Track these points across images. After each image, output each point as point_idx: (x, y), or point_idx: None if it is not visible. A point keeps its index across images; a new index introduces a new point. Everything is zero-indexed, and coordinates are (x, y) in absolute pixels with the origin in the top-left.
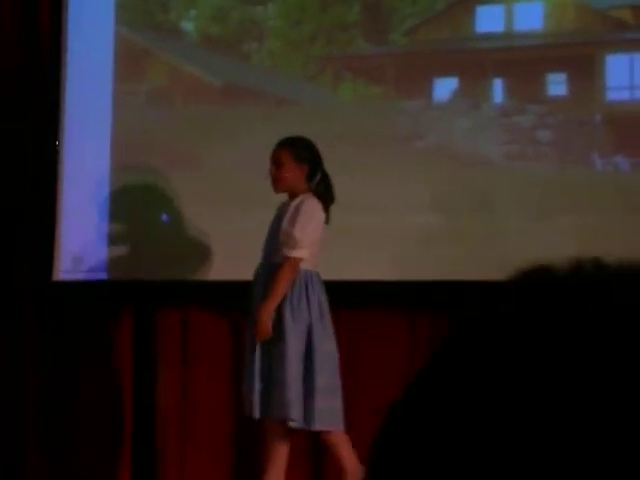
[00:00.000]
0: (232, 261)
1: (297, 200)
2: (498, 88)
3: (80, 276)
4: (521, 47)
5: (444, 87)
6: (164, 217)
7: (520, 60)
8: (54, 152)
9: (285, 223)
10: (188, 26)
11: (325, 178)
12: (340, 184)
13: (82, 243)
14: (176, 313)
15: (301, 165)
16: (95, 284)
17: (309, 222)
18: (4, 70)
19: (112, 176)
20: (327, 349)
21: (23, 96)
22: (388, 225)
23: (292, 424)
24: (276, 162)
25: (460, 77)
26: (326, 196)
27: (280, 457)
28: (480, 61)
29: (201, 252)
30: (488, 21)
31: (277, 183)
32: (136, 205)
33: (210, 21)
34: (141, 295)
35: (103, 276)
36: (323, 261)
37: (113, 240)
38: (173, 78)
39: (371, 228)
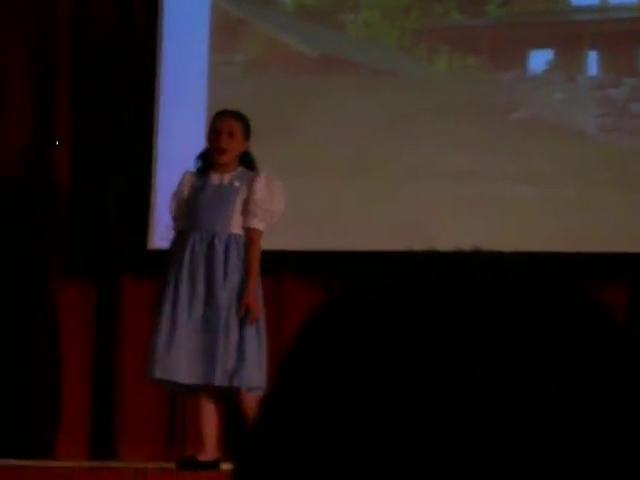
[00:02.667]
0: (325, 230)
1: (261, 175)
2: (593, 60)
3: (163, 244)
4: (616, 19)
5: (539, 59)
6: None
7: (615, 33)
8: (150, 123)
9: (259, 196)
10: None
11: (250, 155)
12: (435, 155)
13: None
14: (269, 281)
15: (246, 141)
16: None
17: (282, 199)
18: (101, 43)
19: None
20: None
21: (119, 68)
22: (481, 196)
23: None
24: (230, 132)
25: (555, 49)
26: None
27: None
28: (575, 33)
29: (295, 221)
30: None
31: (228, 152)
32: None
33: None
34: None
35: None
36: (416, 230)
37: None
38: (269, 48)
39: (464, 199)
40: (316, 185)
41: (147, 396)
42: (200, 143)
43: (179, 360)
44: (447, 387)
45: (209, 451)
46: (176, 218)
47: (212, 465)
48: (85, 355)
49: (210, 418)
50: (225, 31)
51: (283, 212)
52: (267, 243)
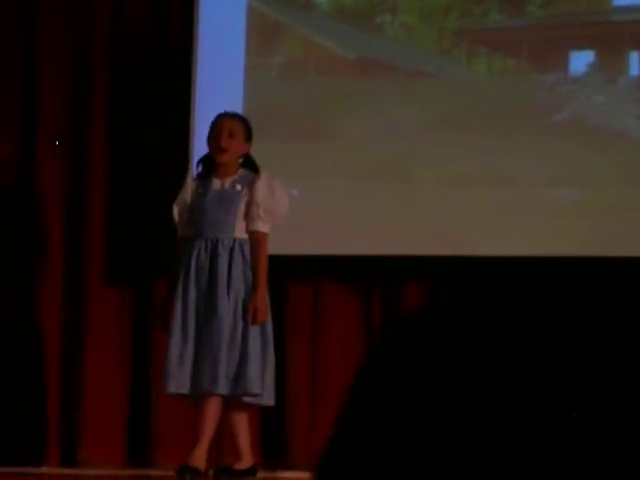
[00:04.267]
0: (363, 234)
1: (262, 176)
2: (634, 61)
3: None
4: None
5: (580, 60)
6: (294, 191)
7: None
8: (186, 127)
9: (260, 197)
10: None
11: (252, 159)
12: (474, 158)
13: None
14: (307, 287)
15: (247, 143)
16: None
17: (286, 198)
18: (137, 46)
19: None
20: None
21: (155, 71)
22: (523, 199)
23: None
24: (232, 132)
25: (596, 50)
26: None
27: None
28: (617, 34)
29: (332, 225)
30: None
31: (228, 152)
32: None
33: None
34: (272, 269)
35: None
36: (456, 235)
37: None
38: (305, 51)
39: (505, 202)
40: (353, 189)
41: (185, 403)
42: None
43: (188, 372)
44: (549, 404)
45: (245, 460)
46: (179, 225)
47: (249, 472)
48: (123, 361)
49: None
50: (261, 34)
51: (287, 212)
52: (304, 248)
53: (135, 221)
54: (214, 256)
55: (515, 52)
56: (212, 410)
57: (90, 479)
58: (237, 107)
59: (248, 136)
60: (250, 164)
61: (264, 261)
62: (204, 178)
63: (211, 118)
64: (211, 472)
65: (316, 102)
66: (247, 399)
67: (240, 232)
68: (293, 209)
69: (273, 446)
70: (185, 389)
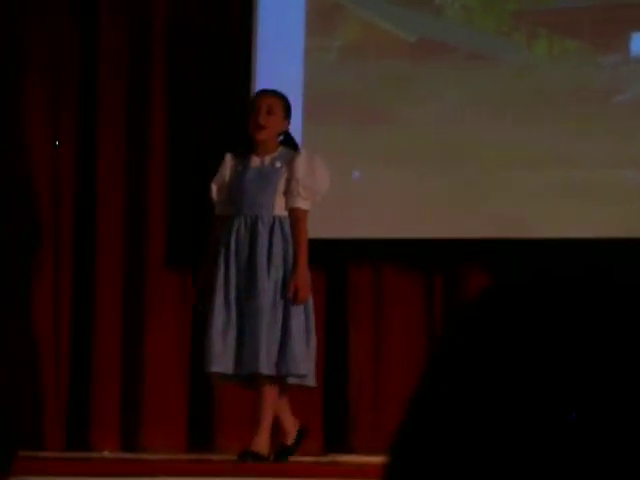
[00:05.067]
0: (425, 217)
1: (302, 153)
2: None
3: None
4: None
5: None
6: (355, 174)
7: None
8: (246, 110)
9: (300, 175)
10: None
11: (291, 136)
12: (536, 140)
13: None
14: (368, 271)
15: (286, 120)
16: None
17: (326, 176)
18: (196, 29)
19: (303, 132)
20: None
21: (214, 54)
22: (585, 181)
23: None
24: (270, 109)
25: None
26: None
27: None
28: None
29: (393, 208)
30: None
31: (267, 129)
32: (327, 161)
33: None
34: (333, 253)
35: None
36: (518, 218)
37: None
38: (365, 33)
39: (568, 184)
40: (414, 172)
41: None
42: (297, 129)
43: (232, 353)
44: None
45: (259, 442)
46: (217, 203)
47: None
48: (183, 345)
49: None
50: (321, 16)
51: (327, 189)
52: (366, 231)
53: (195, 204)
54: (254, 234)
55: (576, 33)
56: (268, 393)
57: (151, 463)
58: (296, 90)
59: (287, 113)
60: (290, 142)
61: (304, 239)
62: (243, 156)
63: None
64: (272, 457)
65: (376, 85)
66: (291, 380)
67: (280, 209)
68: (354, 192)
69: (336, 430)
70: (228, 369)
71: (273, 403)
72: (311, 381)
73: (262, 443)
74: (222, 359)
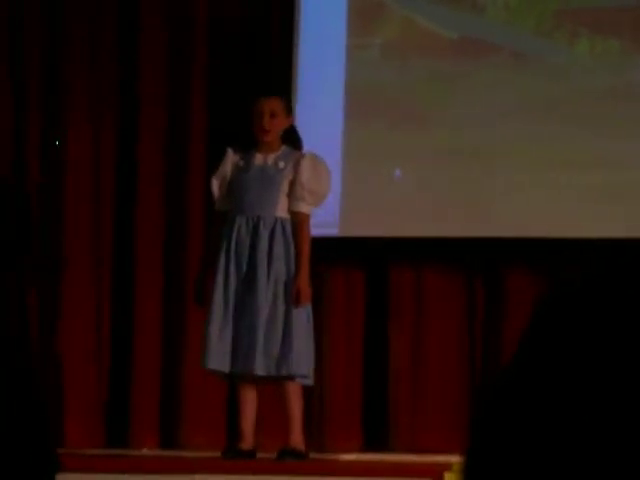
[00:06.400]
0: (465, 217)
1: (306, 155)
2: None
3: (311, 232)
4: None
5: None
6: (397, 172)
7: None
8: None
9: (305, 178)
10: None
11: (295, 131)
12: (576, 141)
13: None
14: (409, 270)
15: (288, 118)
16: (327, 240)
17: (329, 180)
18: (237, 28)
19: (345, 130)
20: None
21: (256, 52)
22: (625, 181)
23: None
24: (272, 112)
25: None
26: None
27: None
28: None
29: (434, 207)
30: None
31: (272, 132)
32: (369, 160)
33: None
34: (373, 252)
35: (334, 232)
36: (558, 218)
37: (345, 195)
38: (406, 31)
39: (607, 184)
40: (456, 171)
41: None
42: (338, 127)
43: (228, 350)
44: None
45: (248, 440)
46: (218, 198)
47: (251, 454)
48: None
49: (250, 407)
50: (362, 14)
51: (329, 193)
52: (406, 230)
53: None
54: (255, 234)
55: (618, 33)
56: (292, 389)
57: (190, 461)
58: (338, 89)
59: (288, 110)
60: (292, 138)
61: (307, 242)
62: (245, 152)
63: (313, 99)
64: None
65: (417, 83)
66: (294, 379)
67: (282, 211)
68: (396, 191)
69: (375, 430)
70: (224, 367)
71: (298, 395)
72: (310, 381)
73: (298, 439)
74: (219, 356)
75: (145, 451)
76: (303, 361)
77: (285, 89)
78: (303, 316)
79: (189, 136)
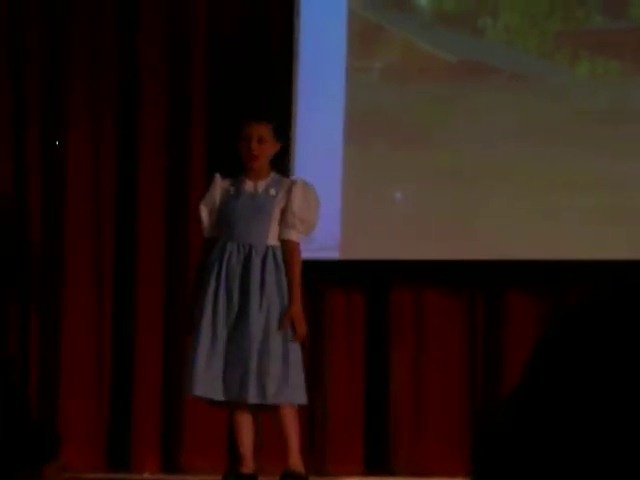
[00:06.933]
0: (466, 239)
1: (297, 183)
2: None
3: (311, 255)
4: None
5: None
6: (398, 195)
7: None
8: (287, 131)
9: (296, 207)
10: (422, 2)
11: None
12: (577, 162)
13: None
14: (409, 292)
15: (276, 143)
16: (327, 263)
17: (318, 208)
18: (237, 49)
19: (344, 153)
20: None
21: (255, 73)
22: (626, 203)
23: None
24: (260, 138)
25: None
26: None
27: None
28: None
29: (434, 230)
30: None
31: (260, 158)
32: (369, 182)
33: None
34: (374, 274)
35: (335, 255)
36: (559, 240)
37: (346, 218)
38: (407, 54)
39: (608, 206)
40: (456, 193)
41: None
42: (337, 149)
43: (217, 377)
44: None
45: (249, 463)
46: (207, 225)
47: (252, 478)
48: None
49: (247, 431)
50: (362, 37)
51: (318, 222)
52: (407, 253)
53: None
54: (247, 263)
55: (618, 54)
56: (287, 411)
57: None
58: (338, 111)
59: (276, 136)
60: (280, 164)
61: (299, 271)
62: (234, 178)
63: (313, 121)
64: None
65: (417, 106)
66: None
67: (273, 239)
68: (396, 213)
69: (377, 453)
70: (213, 394)
71: (294, 419)
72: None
73: (297, 462)
74: (207, 384)
75: (147, 475)
76: (298, 389)
77: (284, 112)
78: (296, 344)
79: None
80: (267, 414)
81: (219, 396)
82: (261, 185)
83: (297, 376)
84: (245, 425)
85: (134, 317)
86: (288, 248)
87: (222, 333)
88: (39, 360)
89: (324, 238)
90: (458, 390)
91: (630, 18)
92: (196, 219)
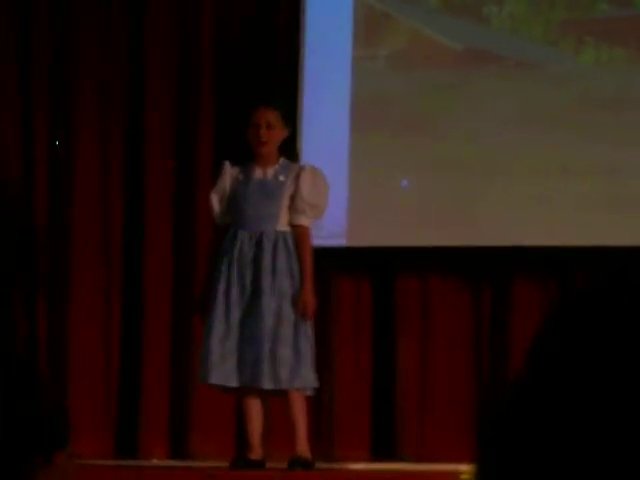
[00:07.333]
0: (472, 226)
1: (306, 168)
2: None
3: (319, 242)
4: None
5: None
6: (404, 182)
7: None
8: (293, 118)
9: (306, 192)
10: None
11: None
12: (582, 149)
13: None
14: (415, 279)
15: (285, 129)
16: (334, 250)
17: (328, 193)
18: (243, 37)
19: (351, 140)
20: None
21: (262, 62)
22: (630, 190)
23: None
24: (269, 123)
25: None
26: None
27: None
28: None
29: (441, 217)
30: None
31: (268, 144)
32: (375, 170)
33: None
34: (381, 261)
35: (342, 242)
36: (564, 226)
37: (352, 205)
38: (412, 42)
39: (610, 193)
40: (462, 180)
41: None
42: (344, 137)
43: (231, 364)
44: None
45: (257, 450)
46: (219, 213)
47: (260, 464)
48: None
49: (257, 417)
50: (368, 25)
51: (327, 206)
52: (413, 240)
53: None
54: (258, 248)
55: (623, 42)
56: (295, 397)
57: (200, 471)
58: (344, 99)
59: (285, 122)
60: (289, 149)
61: (310, 255)
62: (243, 165)
63: (319, 110)
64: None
65: (423, 94)
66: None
67: (283, 224)
68: (402, 200)
69: (383, 439)
70: (229, 381)
71: (303, 405)
72: (312, 391)
73: (305, 448)
74: (222, 371)
75: (155, 461)
76: (311, 374)
77: (291, 100)
78: (308, 328)
79: (197, 136)
80: (276, 399)
81: (233, 382)
82: (270, 171)
83: (308, 361)
84: (255, 410)
85: (142, 304)
86: (298, 233)
87: (235, 319)
88: (47, 347)
89: (331, 225)
90: (464, 376)
91: (636, 6)
92: (204, 211)
